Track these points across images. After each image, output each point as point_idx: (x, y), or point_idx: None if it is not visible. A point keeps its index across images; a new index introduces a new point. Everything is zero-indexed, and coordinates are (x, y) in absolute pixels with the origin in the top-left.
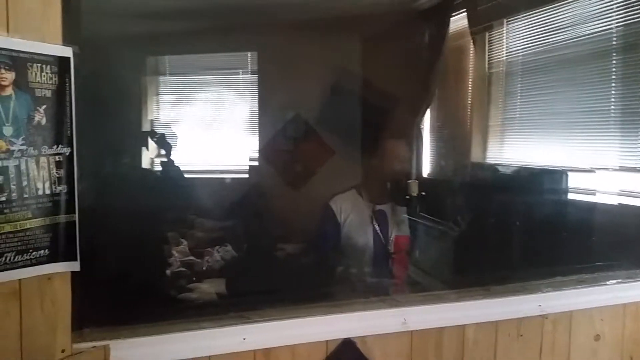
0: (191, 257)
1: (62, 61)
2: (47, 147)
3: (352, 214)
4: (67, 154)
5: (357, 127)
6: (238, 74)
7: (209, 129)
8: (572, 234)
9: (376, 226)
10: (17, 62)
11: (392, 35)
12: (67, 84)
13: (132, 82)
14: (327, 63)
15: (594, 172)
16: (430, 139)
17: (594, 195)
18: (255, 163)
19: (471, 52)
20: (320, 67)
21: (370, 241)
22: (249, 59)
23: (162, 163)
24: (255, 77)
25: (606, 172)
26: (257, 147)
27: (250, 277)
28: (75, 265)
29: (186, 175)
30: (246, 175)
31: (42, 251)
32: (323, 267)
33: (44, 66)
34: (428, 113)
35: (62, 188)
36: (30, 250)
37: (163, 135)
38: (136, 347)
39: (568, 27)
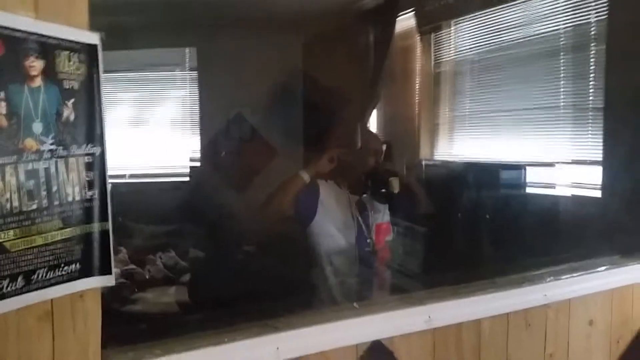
0: (132, 266)
1: (90, 49)
2: (76, 146)
3: (333, 200)
4: (98, 154)
5: (300, 127)
6: (175, 70)
7: (146, 129)
8: (547, 225)
9: (357, 214)
10: (46, 48)
11: (336, 34)
12: (95, 75)
13: None
14: (270, 62)
15: (553, 165)
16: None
17: (553, 188)
18: (197, 164)
19: (418, 51)
20: (264, 66)
21: (352, 230)
22: (187, 56)
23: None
24: (195, 74)
25: (561, 165)
26: (198, 148)
27: (214, 283)
28: (109, 280)
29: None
30: (187, 178)
31: (74, 265)
32: (297, 264)
33: (71, 54)
34: (375, 112)
35: (92, 193)
36: (62, 265)
37: None
38: None
39: (518, 27)
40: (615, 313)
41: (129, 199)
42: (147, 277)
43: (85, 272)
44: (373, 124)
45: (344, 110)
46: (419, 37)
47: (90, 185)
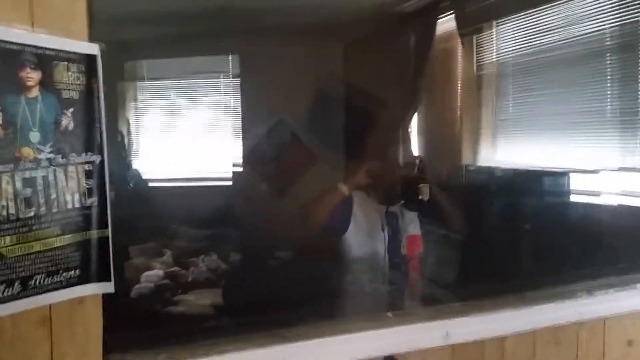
0: (176, 268)
1: (89, 59)
2: (75, 155)
3: (364, 210)
4: (98, 162)
5: (342, 132)
6: (219, 77)
7: (191, 135)
8: (590, 236)
9: (387, 228)
10: (43, 60)
11: (377, 39)
12: (95, 85)
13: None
14: (311, 68)
15: (597, 172)
16: (419, 142)
17: (599, 196)
18: (239, 169)
19: (459, 54)
20: (305, 72)
21: (384, 244)
22: (230, 63)
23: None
24: (237, 81)
25: (608, 172)
26: (240, 154)
27: (248, 286)
28: (109, 287)
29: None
30: (229, 182)
31: (73, 271)
32: (329, 273)
33: (70, 65)
34: (416, 116)
35: (92, 200)
36: (61, 271)
37: None
38: None
39: (561, 28)
40: None
41: (174, 203)
42: (190, 279)
43: (85, 278)
44: (414, 128)
45: (384, 115)
46: (460, 40)
47: (89, 192)
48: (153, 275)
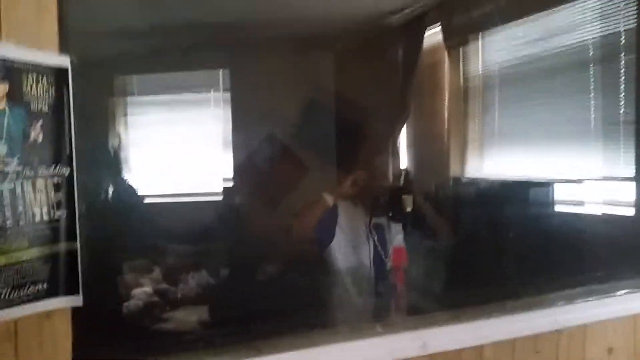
0: (165, 285)
1: (60, 72)
2: (44, 167)
3: (349, 221)
4: (67, 174)
5: (333, 144)
6: (209, 92)
7: (179, 150)
8: (572, 245)
9: (374, 239)
10: (11, 72)
11: (366, 51)
12: (65, 97)
13: (99, 103)
14: (300, 80)
15: (581, 182)
16: (407, 154)
17: (583, 205)
18: (229, 184)
19: (446, 65)
20: (293, 84)
21: (369, 256)
22: (220, 77)
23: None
24: (227, 95)
25: (592, 182)
26: (230, 168)
27: (234, 302)
28: (77, 300)
29: (157, 200)
30: (219, 197)
31: (40, 285)
32: (316, 286)
33: (40, 77)
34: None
35: (61, 213)
36: (28, 285)
37: None
38: None
39: (544, 39)
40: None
41: (162, 219)
42: (179, 296)
43: (52, 292)
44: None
45: (373, 126)
46: (447, 52)
47: (58, 205)
48: (140, 292)
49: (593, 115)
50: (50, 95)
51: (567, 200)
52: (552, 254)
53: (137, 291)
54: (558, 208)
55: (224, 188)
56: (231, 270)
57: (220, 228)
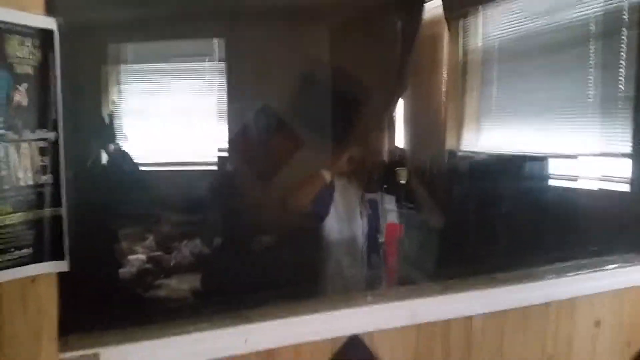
0: (158, 253)
1: (45, 34)
2: (29, 131)
3: (342, 200)
4: (53, 139)
5: (328, 117)
6: (204, 61)
7: (174, 119)
8: (564, 219)
9: (367, 214)
10: None
11: (363, 23)
12: (51, 61)
13: (92, 71)
14: (296, 51)
15: (576, 157)
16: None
17: (577, 181)
18: (224, 154)
19: (445, 39)
20: (289, 56)
21: (361, 230)
22: (215, 47)
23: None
24: (222, 65)
25: (589, 157)
26: (225, 138)
27: (226, 271)
28: (62, 265)
29: (151, 168)
30: (214, 167)
31: (24, 250)
32: (309, 258)
33: (24, 39)
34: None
35: (46, 178)
36: (12, 250)
37: None
38: (129, 354)
39: (545, 13)
40: (627, 314)
41: (157, 188)
42: (172, 264)
43: (37, 257)
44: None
45: (369, 100)
46: (446, 24)
47: (44, 169)
48: (134, 259)
49: (592, 91)
50: (35, 58)
51: (562, 175)
52: (544, 228)
53: (130, 258)
54: (552, 183)
55: (218, 158)
56: (224, 241)
57: (213, 198)
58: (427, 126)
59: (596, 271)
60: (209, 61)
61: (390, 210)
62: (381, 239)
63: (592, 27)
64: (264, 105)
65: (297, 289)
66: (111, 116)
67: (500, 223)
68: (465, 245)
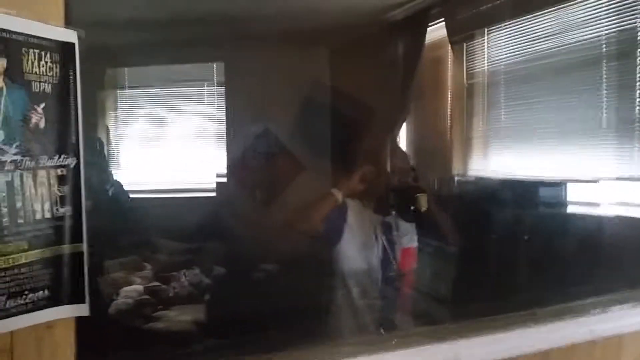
0: (156, 283)
1: (66, 47)
2: (47, 157)
3: (358, 220)
4: (72, 166)
5: (328, 141)
6: (203, 86)
7: (172, 144)
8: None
9: (383, 239)
10: (10, 45)
11: (365, 46)
12: (72, 77)
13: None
14: (297, 76)
15: (597, 182)
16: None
17: (597, 207)
18: (223, 180)
19: (449, 62)
20: (291, 80)
21: (376, 256)
22: (214, 71)
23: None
24: (222, 89)
25: (608, 182)
26: (224, 164)
27: (233, 303)
28: (83, 309)
29: (149, 195)
30: (213, 194)
31: (40, 292)
32: (320, 288)
33: (42, 53)
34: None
35: (65, 210)
36: (26, 292)
37: None
38: None
39: (555, 35)
40: None
41: (155, 215)
42: (171, 294)
43: (55, 300)
44: (402, 138)
45: (372, 124)
46: (450, 47)
47: (62, 201)
48: (132, 290)
49: (605, 115)
50: (54, 74)
51: (587, 201)
52: (583, 257)
53: (132, 292)
54: (579, 209)
55: (218, 184)
56: (226, 271)
57: (213, 225)
58: (435, 149)
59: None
60: (207, 85)
61: (406, 234)
62: (397, 265)
63: (605, 48)
64: (264, 129)
65: (307, 325)
66: (106, 142)
67: (526, 253)
68: (497, 276)
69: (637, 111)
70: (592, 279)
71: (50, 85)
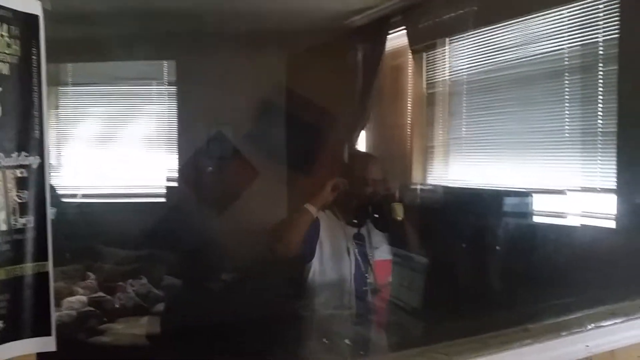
0: (101, 294)
1: (28, 20)
2: (3, 155)
3: (329, 232)
4: (35, 166)
5: (283, 147)
6: (152, 84)
7: (118, 146)
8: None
9: (355, 252)
10: None
11: (324, 52)
12: (35, 57)
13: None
14: (254, 78)
15: (564, 193)
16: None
17: (563, 217)
18: (174, 184)
19: (410, 71)
20: (247, 82)
21: (349, 269)
22: (165, 69)
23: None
24: (173, 89)
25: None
26: (175, 167)
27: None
28: (48, 343)
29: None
30: (163, 199)
31: None
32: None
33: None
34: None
35: (26, 220)
36: None
37: None
38: None
39: (518, 46)
40: None
41: (99, 221)
42: (116, 305)
43: (13, 333)
44: (361, 145)
45: (330, 130)
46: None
47: (22, 209)
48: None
49: (567, 126)
50: (13, 52)
51: (551, 211)
52: (572, 268)
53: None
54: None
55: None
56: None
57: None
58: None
59: (632, 319)
60: (156, 84)
61: (379, 246)
62: (371, 279)
63: (567, 61)
64: (217, 132)
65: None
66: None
67: (500, 264)
68: (479, 290)
69: (599, 123)
70: (585, 290)
71: (7, 65)
